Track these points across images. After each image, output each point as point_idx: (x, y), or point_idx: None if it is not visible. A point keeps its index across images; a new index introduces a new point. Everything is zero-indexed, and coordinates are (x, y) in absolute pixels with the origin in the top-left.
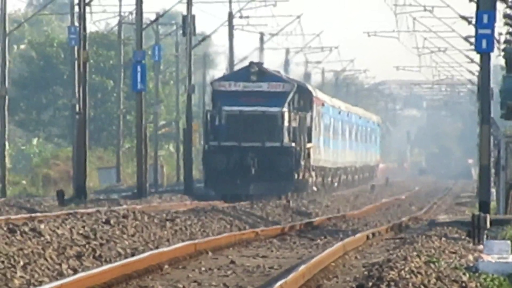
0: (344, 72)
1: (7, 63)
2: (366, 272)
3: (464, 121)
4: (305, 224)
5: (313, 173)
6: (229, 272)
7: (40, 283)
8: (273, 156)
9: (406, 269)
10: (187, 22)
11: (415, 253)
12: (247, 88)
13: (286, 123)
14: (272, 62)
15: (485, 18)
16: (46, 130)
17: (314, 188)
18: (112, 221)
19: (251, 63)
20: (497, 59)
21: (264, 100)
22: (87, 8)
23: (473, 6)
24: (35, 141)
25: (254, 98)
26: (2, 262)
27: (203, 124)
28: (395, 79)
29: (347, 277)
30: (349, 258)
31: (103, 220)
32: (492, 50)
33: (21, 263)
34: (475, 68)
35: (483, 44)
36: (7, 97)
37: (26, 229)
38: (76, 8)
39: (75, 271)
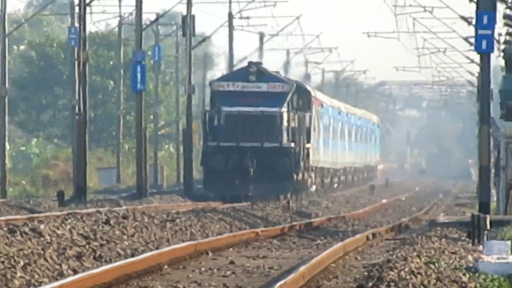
0: (344, 73)
1: (7, 63)
2: (366, 273)
3: (464, 121)
4: (305, 225)
5: (312, 174)
6: (229, 273)
7: (40, 283)
8: (272, 157)
9: (406, 269)
10: (187, 22)
11: (415, 254)
12: (246, 88)
13: (285, 124)
14: (272, 63)
15: (485, 19)
16: (46, 131)
17: (313, 188)
18: (112, 222)
19: (250, 63)
20: (497, 60)
21: (263, 100)
22: (87, 9)
23: (473, 6)
24: (35, 141)
25: (253, 98)
26: (2, 262)
27: (202, 124)
28: (395, 80)
29: (347, 278)
30: (349, 259)
31: (103, 220)
32: (492, 50)
33: (21, 263)
34: (475, 68)
35: (483, 44)
36: (7, 98)
37: (26, 229)
38: (76, 9)
39: (75, 272)
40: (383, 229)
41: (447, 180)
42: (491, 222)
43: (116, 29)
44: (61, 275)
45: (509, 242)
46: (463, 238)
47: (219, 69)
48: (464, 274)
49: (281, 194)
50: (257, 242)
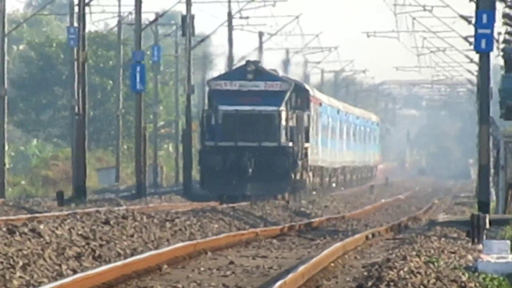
0: (344, 73)
1: (6, 63)
2: (365, 272)
3: (464, 121)
4: (305, 225)
5: (310, 173)
6: (228, 272)
7: (40, 283)
8: (270, 156)
9: (406, 269)
10: (186, 22)
11: (414, 253)
12: (243, 87)
13: (283, 123)
14: (272, 63)
15: (485, 18)
16: (45, 131)
17: (311, 188)
18: (111, 222)
19: (248, 61)
20: (496, 59)
21: (260, 99)
22: (87, 9)
23: (473, 5)
24: (34, 141)
25: (251, 97)
26: (1, 262)
27: (200, 123)
28: (394, 79)
29: (347, 277)
30: (349, 258)
31: (103, 220)
32: (491, 49)
33: (20, 263)
34: (475, 68)
35: (482, 44)
36: (6, 98)
37: (26, 229)
38: (76, 9)
39: (75, 272)
40: (383, 228)
41: (447, 180)
42: (490, 222)
43: (115, 29)
44: (61, 275)
45: (508, 242)
46: (462, 237)
47: (219, 69)
48: (463, 274)
49: (279, 193)
50: (256, 242)
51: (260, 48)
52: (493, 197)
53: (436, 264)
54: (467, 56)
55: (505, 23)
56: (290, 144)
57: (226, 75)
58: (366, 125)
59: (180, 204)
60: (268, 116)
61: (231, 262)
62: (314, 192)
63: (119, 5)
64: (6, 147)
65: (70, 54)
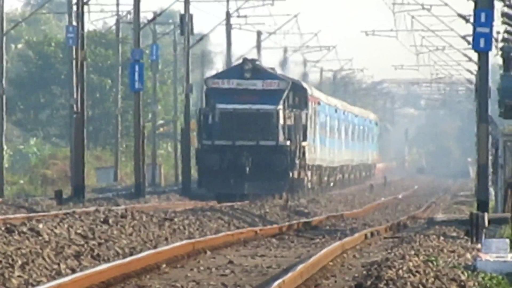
0: (342, 71)
1: (5, 62)
2: (364, 271)
3: (463, 120)
4: (304, 224)
5: (308, 172)
6: (227, 271)
7: (38, 282)
8: (267, 155)
9: (405, 268)
10: (185, 21)
11: (413, 252)
12: (241, 85)
13: (281, 121)
14: (270, 61)
15: (483, 17)
16: (44, 130)
17: (309, 187)
18: (110, 221)
19: (245, 60)
20: (495, 58)
21: (258, 97)
22: (85, 8)
23: (471, 4)
24: (33, 140)
25: (248, 96)
26: (0, 261)
27: (197, 122)
28: (393, 78)
29: (346, 276)
30: (348, 257)
31: (101, 219)
32: (490, 48)
33: (19, 262)
34: (473, 67)
35: (481, 42)
36: (4, 97)
37: (24, 228)
38: (74, 8)
39: (73, 271)
40: (382, 227)
41: (446, 179)
42: (489, 220)
43: (114, 27)
44: (59, 274)
45: (507, 240)
46: (461, 236)
47: (217, 68)
48: (462, 273)
49: (277, 193)
50: (255, 241)
51: (258, 47)
52: (492, 196)
53: (435, 263)
54: (465, 55)
55: (504, 22)
56: (288, 143)
57: (223, 73)
58: (364, 124)
59: (178, 203)
60: (266, 115)
61: (230, 261)
62: (311, 190)
63: (118, 4)
64: (5, 146)
65: (69, 53)
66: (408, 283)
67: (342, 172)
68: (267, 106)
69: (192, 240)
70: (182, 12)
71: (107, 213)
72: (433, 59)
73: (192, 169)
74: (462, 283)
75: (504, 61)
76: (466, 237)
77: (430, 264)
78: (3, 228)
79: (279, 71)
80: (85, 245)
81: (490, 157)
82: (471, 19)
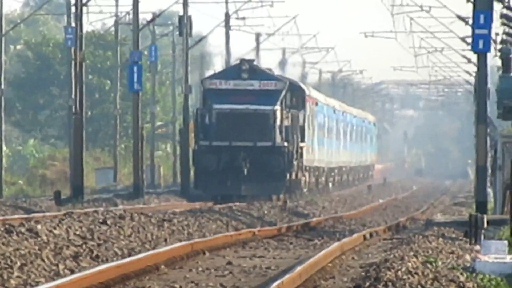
0: (341, 73)
1: (3, 63)
2: (363, 273)
3: (461, 121)
4: (302, 225)
5: (306, 173)
6: (226, 272)
7: (37, 283)
8: (265, 156)
9: (403, 269)
10: (184, 22)
11: (412, 253)
12: (238, 86)
13: (278, 122)
14: (269, 63)
15: (482, 18)
16: (42, 131)
17: (306, 188)
18: (109, 222)
19: (242, 60)
20: (493, 60)
21: (255, 98)
22: (84, 9)
23: (470, 6)
24: (31, 141)
25: (245, 96)
26: None
27: (194, 123)
28: (392, 79)
29: (344, 278)
30: (346, 259)
31: (100, 220)
32: (489, 50)
33: (18, 263)
34: (472, 68)
35: (480, 44)
36: (3, 98)
37: (23, 229)
38: (73, 9)
39: (72, 272)
40: (380, 228)
41: (445, 180)
42: (488, 222)
43: (113, 29)
44: (58, 275)
45: (506, 242)
46: (460, 237)
47: (216, 69)
48: (461, 274)
49: (274, 194)
50: (254, 242)
51: (257, 48)
52: (491, 197)
53: (434, 264)
54: (464, 57)
55: (502, 24)
56: (285, 144)
57: (220, 74)
58: (362, 125)
59: (177, 204)
60: (263, 115)
61: (229, 262)
62: (308, 192)
63: (117, 5)
64: (4, 147)
65: (68, 54)
66: (407, 284)
67: (340, 173)
68: (264, 106)
69: (191, 241)
70: (181, 13)
71: (106, 214)
72: (432, 61)
73: (190, 170)
74: (461, 284)
75: (502, 63)
76: (465, 239)
77: (429, 265)
78: (2, 229)
79: (278, 72)
80: (84, 246)
81: (489, 159)
82: (470, 21)
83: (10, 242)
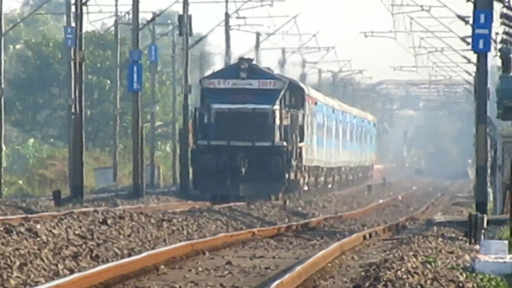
0: (341, 73)
1: (3, 63)
2: (363, 273)
3: (461, 121)
4: (302, 225)
5: (305, 173)
6: (225, 273)
7: (36, 283)
8: (263, 156)
9: (403, 269)
10: (184, 22)
11: (412, 253)
12: (236, 85)
13: (277, 122)
14: (269, 62)
15: (482, 18)
16: (42, 130)
17: (305, 188)
18: (108, 221)
19: (241, 59)
20: (494, 59)
21: (254, 97)
22: (84, 8)
23: (470, 6)
24: (31, 141)
25: (244, 96)
26: None
27: (192, 122)
28: (392, 79)
29: (344, 278)
30: (346, 259)
31: (100, 220)
32: (489, 50)
33: (17, 263)
34: (472, 68)
35: (480, 44)
36: (3, 97)
37: (22, 229)
38: (73, 8)
39: (72, 272)
40: (380, 228)
41: (445, 180)
42: (488, 222)
43: (113, 28)
44: (57, 275)
45: (506, 242)
46: (460, 237)
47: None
48: (461, 274)
49: (273, 194)
50: (253, 242)
51: (257, 48)
52: (491, 197)
53: (433, 264)
54: (464, 57)
55: (502, 23)
56: (284, 143)
57: (219, 73)
58: (362, 125)
59: (177, 204)
60: (262, 115)
61: (228, 262)
62: (307, 192)
63: (116, 5)
64: (3, 147)
65: (67, 53)
66: (407, 284)
67: (339, 173)
68: (263, 106)
69: (191, 241)
70: (181, 13)
71: (106, 214)
72: (432, 60)
73: (190, 170)
74: (461, 284)
75: (502, 62)
76: (464, 238)
77: (429, 265)
78: (1, 229)
79: (278, 72)
80: (84, 246)
81: (489, 159)
82: (470, 21)
83: (10, 242)
